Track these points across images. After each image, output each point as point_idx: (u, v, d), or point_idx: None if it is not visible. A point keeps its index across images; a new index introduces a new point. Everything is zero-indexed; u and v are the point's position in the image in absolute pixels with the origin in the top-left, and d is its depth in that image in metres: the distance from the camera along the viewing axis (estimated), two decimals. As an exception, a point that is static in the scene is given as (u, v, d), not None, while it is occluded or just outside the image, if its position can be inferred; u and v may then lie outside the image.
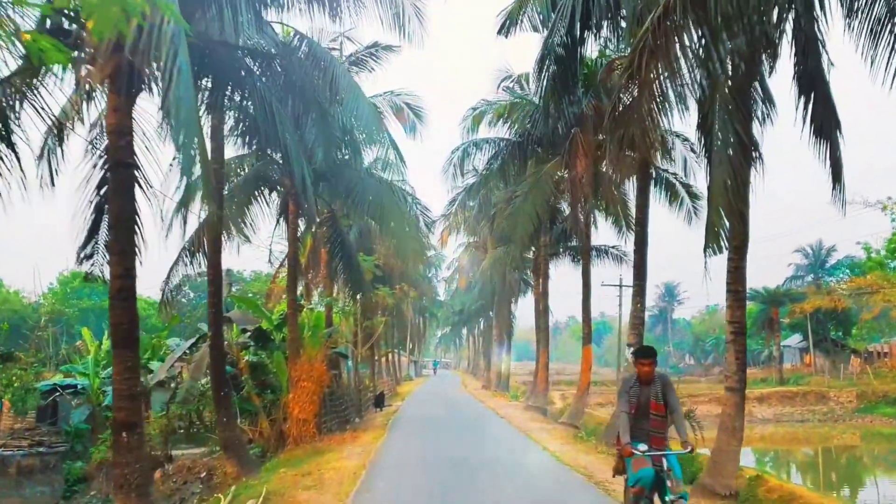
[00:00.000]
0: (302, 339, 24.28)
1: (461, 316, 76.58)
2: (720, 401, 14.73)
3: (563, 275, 62.53)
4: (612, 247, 38.45)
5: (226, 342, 23.81)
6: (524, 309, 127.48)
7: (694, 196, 26.38)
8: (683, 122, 22.55)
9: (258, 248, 27.81)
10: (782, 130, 11.67)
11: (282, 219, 24.18)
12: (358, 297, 27.00)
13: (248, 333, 25.81)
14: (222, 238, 18.69)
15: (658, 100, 10.42)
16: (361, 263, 33.85)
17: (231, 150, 21.13)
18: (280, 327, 25.27)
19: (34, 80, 10.65)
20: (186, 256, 22.16)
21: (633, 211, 34.47)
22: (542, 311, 32.98)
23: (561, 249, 38.58)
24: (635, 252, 19.45)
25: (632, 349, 19.32)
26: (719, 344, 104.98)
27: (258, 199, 22.77)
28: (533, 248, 40.51)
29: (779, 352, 65.33)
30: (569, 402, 47.03)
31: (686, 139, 24.38)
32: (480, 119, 32.05)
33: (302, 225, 26.42)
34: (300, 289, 30.35)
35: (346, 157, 23.30)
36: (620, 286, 52.63)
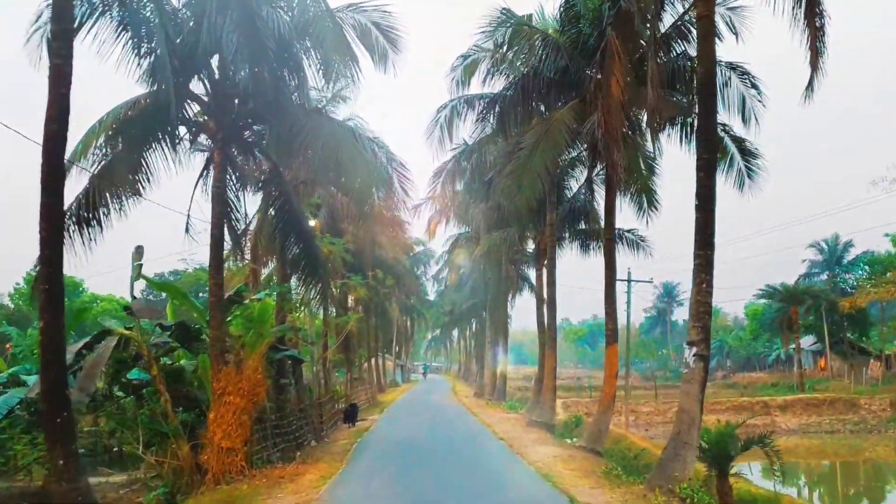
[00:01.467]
0: (239, 338, 18.09)
1: (452, 316, 70.14)
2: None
3: (562, 271, 56.25)
4: (629, 230, 32.18)
5: (134, 342, 17.64)
6: (517, 310, 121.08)
7: (749, 154, 20.12)
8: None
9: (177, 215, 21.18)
10: None
11: (206, 175, 17.76)
12: (316, 284, 20.53)
13: (170, 331, 19.36)
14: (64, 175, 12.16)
15: None
16: (328, 247, 27.53)
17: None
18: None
19: None
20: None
21: (656, 187, 28.81)
22: (548, 305, 26.61)
23: (567, 234, 32.27)
24: (699, 209, 13.09)
25: (694, 350, 13.02)
26: (723, 347, 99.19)
27: (162, 142, 16.31)
28: (530, 236, 34.36)
29: (799, 355, 59.16)
30: (573, 412, 40.72)
31: (745, 73, 18.15)
32: (474, 70, 25.71)
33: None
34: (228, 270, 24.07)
35: (291, 84, 16.93)
36: (629, 280, 46.32)
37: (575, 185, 31.98)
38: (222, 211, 16.90)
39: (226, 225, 18.63)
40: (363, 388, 42.12)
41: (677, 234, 34.64)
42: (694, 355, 12.72)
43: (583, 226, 32.20)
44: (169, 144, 16.61)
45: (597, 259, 41.31)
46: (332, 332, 30.61)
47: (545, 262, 32.26)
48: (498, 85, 24.69)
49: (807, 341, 70.65)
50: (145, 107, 16.22)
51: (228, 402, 16.13)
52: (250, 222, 22.50)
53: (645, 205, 27.01)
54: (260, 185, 20.12)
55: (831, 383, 58.56)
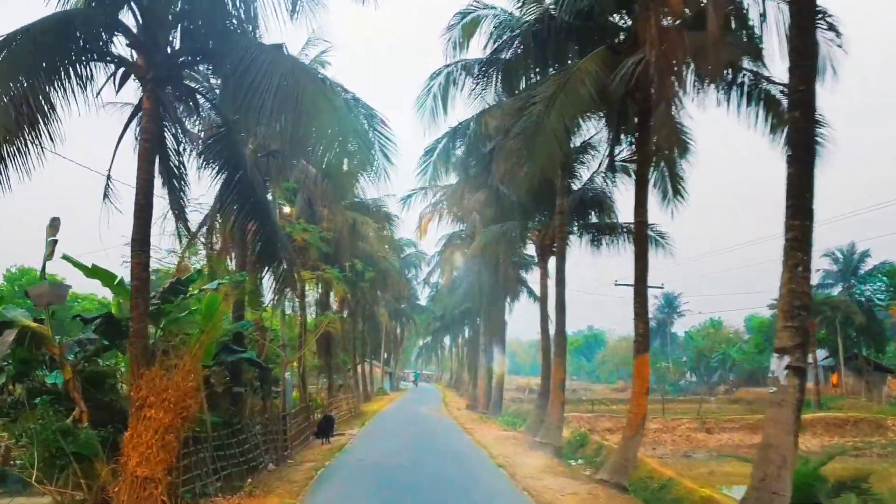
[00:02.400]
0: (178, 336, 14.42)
1: (444, 321, 66.20)
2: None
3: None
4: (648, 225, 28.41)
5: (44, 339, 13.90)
6: (511, 317, 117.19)
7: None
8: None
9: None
10: None
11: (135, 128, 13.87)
12: (277, 269, 16.64)
13: (94, 325, 15.49)
14: None
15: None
16: (301, 235, 23.68)
17: None
18: (158, 316, 14.88)
19: None
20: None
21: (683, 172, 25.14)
22: (556, 306, 22.68)
23: (575, 228, 28.45)
24: (793, 161, 9.30)
25: (787, 360, 9.18)
26: (726, 360, 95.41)
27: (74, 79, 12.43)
28: (532, 231, 30.51)
29: (816, 370, 55.39)
30: (574, 428, 36.88)
31: (821, 11, 14.40)
32: (473, 30, 21.91)
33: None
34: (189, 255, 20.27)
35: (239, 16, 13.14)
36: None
37: (585, 173, 28.35)
38: (150, 171, 12.99)
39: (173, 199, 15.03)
40: (345, 397, 38.16)
41: (684, 235, 31.00)
42: (787, 367, 8.90)
43: (593, 219, 28.46)
44: (81, 82, 12.72)
45: (597, 261, 37.72)
46: (313, 335, 26.74)
47: (549, 259, 28.47)
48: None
49: (816, 356, 66.99)
50: (50, 27, 12.35)
51: (149, 417, 12.29)
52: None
53: (670, 193, 23.32)
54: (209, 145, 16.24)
55: (845, 401, 55.00)
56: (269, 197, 21.30)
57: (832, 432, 43.19)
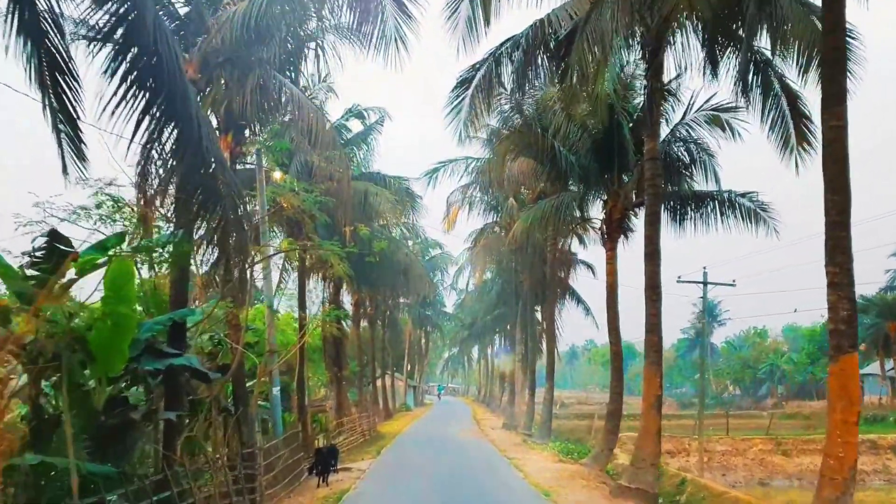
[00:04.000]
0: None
1: (472, 330, 59.12)
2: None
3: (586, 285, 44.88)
4: (743, 194, 21.34)
5: None
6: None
7: None
8: None
9: None
10: None
11: None
12: (215, 222, 9.80)
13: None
14: None
15: None
16: (291, 201, 16.94)
17: None
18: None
19: None
20: None
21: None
22: (648, 290, 15.45)
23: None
24: None
25: None
26: (773, 372, 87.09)
27: None
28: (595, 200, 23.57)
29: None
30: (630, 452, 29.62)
31: None
32: None
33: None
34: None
35: None
36: (705, 283, 35.30)
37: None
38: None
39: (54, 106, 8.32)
40: (361, 416, 31.21)
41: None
42: None
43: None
44: None
45: (680, 242, 30.72)
46: (302, 337, 20.02)
47: (618, 238, 21.48)
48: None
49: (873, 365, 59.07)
50: None
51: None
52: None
53: (793, 138, 16.37)
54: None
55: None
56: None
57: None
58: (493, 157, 26.02)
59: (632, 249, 21.33)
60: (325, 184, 17.67)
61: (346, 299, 40.11)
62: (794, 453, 38.52)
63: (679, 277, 35.77)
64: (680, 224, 21.55)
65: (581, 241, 33.56)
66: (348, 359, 31.15)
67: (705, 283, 35.56)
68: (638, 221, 22.15)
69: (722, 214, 21.51)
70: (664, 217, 21.70)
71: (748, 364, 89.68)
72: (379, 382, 48.93)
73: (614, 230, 21.36)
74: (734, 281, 36.64)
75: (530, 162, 25.52)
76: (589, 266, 36.38)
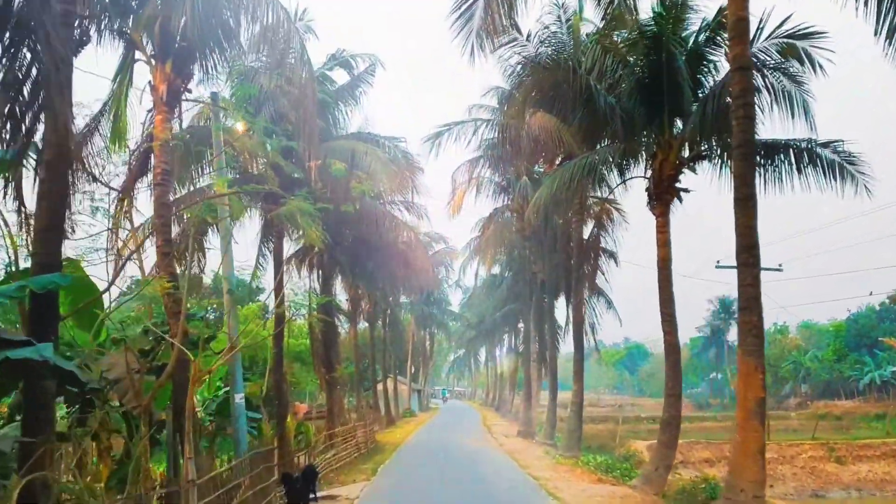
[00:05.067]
0: None
1: (480, 329, 54.53)
2: None
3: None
4: (825, 143, 16.76)
5: None
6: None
7: None
8: None
9: None
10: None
11: None
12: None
13: None
14: None
15: None
16: (245, 141, 12.46)
17: None
18: None
19: None
20: None
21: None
22: (741, 250, 10.88)
23: (710, 147, 16.97)
24: None
25: None
26: (797, 370, 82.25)
27: None
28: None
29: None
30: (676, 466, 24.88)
31: None
32: None
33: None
34: None
35: None
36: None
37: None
38: None
39: None
40: (357, 424, 26.56)
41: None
42: None
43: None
44: None
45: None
46: (265, 330, 15.63)
47: (673, 198, 16.96)
48: None
49: None
50: None
51: None
52: None
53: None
54: None
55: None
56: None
57: None
58: (507, 109, 21.53)
59: (644, 232, 16.83)
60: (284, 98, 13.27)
61: (342, 298, 35.72)
62: (850, 460, 33.92)
63: (718, 262, 31.21)
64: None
65: (601, 226, 29.12)
66: (341, 359, 26.60)
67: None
68: (694, 179, 17.71)
69: (799, 172, 16.94)
70: (721, 177, 17.29)
71: (769, 362, 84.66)
72: (380, 386, 44.41)
73: (665, 190, 16.81)
74: (781, 265, 32.10)
75: (552, 120, 21.08)
76: (611, 254, 31.80)
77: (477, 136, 23.76)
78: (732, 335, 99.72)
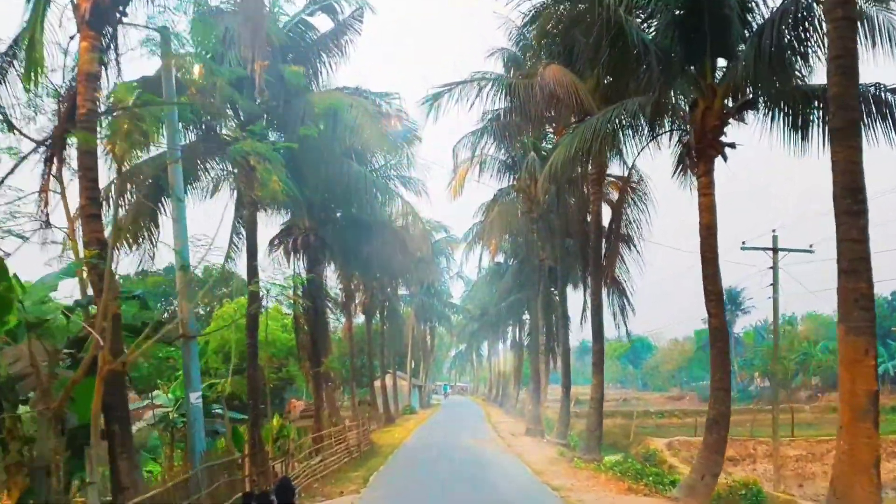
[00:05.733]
0: None
1: (483, 321, 51.74)
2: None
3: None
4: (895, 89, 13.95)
5: None
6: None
7: None
8: None
9: None
10: None
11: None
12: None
13: None
14: None
15: None
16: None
17: None
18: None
19: None
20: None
21: None
22: (844, 194, 8.26)
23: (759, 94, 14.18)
24: None
25: None
26: (807, 361, 79.43)
27: None
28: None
29: None
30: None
31: None
32: None
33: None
34: None
35: None
36: (775, 249, 27.90)
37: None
38: None
39: None
40: (351, 425, 23.72)
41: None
42: None
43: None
44: None
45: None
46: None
47: (717, 154, 14.15)
48: None
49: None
50: None
51: None
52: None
53: None
54: None
55: None
56: None
57: None
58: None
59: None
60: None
61: (336, 289, 33.00)
62: (884, 456, 31.07)
63: (743, 243, 28.40)
64: (803, 134, 14.15)
65: (621, 203, 26.19)
66: (334, 354, 23.81)
67: (776, 250, 28.19)
68: (741, 132, 14.90)
69: (865, 126, 14.09)
70: (771, 131, 14.48)
71: (780, 353, 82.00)
72: (378, 383, 41.62)
73: (709, 145, 13.99)
74: (812, 246, 29.30)
75: (568, 74, 18.29)
76: (627, 239, 28.90)
77: (482, 100, 20.85)
78: (738, 327, 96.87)
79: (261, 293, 14.37)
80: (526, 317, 46.03)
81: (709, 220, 13.84)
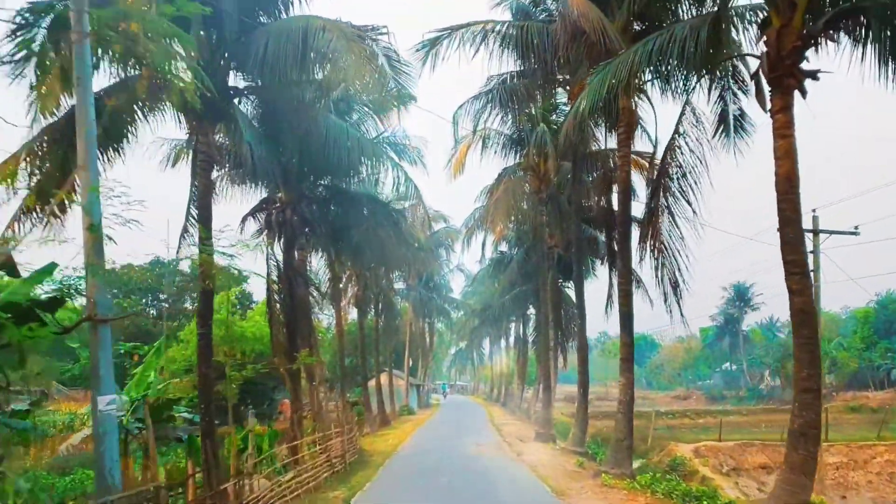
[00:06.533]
0: None
1: (486, 316, 48.41)
2: None
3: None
4: None
5: None
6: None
7: None
8: None
9: None
10: None
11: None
12: None
13: None
14: None
15: None
16: None
17: None
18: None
19: None
20: None
21: None
22: None
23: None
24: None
25: None
26: (822, 358, 75.97)
27: None
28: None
29: None
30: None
31: None
32: None
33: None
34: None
35: None
36: (816, 232, 24.62)
37: None
38: None
39: None
40: (336, 432, 20.38)
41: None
42: None
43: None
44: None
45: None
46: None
47: (796, 85, 10.84)
48: None
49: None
50: None
51: None
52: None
53: None
54: None
55: None
56: None
57: None
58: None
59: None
60: None
61: (321, 276, 29.82)
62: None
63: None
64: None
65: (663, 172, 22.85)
66: (314, 348, 20.49)
67: (816, 233, 24.92)
68: (824, 57, 11.55)
69: None
70: (863, 57, 11.17)
71: (790, 352, 78.63)
72: (373, 382, 38.30)
73: (787, 72, 10.68)
74: (857, 227, 26.02)
75: (594, 9, 15.01)
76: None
77: (487, 48, 17.54)
78: (747, 324, 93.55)
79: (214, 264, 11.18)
80: (531, 311, 42.77)
81: (788, 169, 10.52)
